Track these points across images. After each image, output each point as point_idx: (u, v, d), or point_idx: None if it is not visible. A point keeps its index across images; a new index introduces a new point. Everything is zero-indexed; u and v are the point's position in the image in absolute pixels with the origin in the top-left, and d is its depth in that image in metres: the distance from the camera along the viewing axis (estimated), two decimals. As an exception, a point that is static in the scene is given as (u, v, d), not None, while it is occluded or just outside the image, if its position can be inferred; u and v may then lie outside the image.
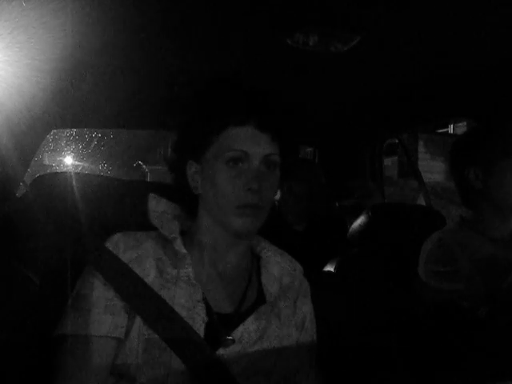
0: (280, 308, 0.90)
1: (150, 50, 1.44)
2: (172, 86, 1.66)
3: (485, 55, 1.43)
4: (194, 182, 0.89)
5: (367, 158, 2.41)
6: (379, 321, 1.34)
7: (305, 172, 2.03)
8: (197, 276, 0.85)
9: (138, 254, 0.84)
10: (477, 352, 1.08)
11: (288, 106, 0.91)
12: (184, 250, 0.86)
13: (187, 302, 0.82)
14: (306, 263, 1.02)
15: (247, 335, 0.83)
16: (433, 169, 9.87)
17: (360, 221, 1.55)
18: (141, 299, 0.80)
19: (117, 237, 0.86)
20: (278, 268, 0.95)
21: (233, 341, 0.82)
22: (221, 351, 0.81)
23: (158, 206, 0.91)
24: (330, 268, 1.45)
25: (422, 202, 2.63)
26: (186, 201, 0.92)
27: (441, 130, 10.83)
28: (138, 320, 0.79)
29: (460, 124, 9.54)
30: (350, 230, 1.61)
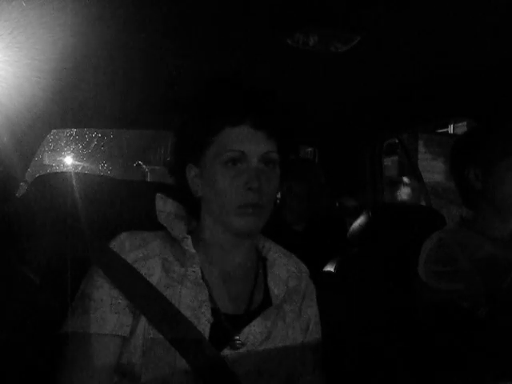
0: (286, 311, 0.91)
1: (150, 50, 1.44)
2: (172, 85, 1.66)
3: (485, 55, 1.43)
4: (194, 185, 0.89)
5: (367, 158, 2.41)
6: (379, 321, 1.34)
7: (305, 172, 2.03)
8: (203, 276, 0.86)
9: (144, 254, 0.84)
10: (477, 352, 1.08)
11: (284, 102, 0.90)
12: (193, 250, 0.86)
13: (192, 302, 0.82)
14: (305, 263, 1.02)
15: (253, 337, 0.84)
16: (433, 169, 9.88)
17: (360, 221, 1.55)
18: (145, 299, 0.80)
19: (123, 236, 0.86)
20: (285, 270, 0.95)
21: (242, 343, 0.82)
22: (226, 352, 0.81)
23: (165, 207, 0.92)
24: (330, 268, 1.45)
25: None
26: (189, 203, 0.92)
27: (441, 130, 10.84)
28: (143, 319, 0.79)
29: (460, 124, 9.54)
30: (350, 230, 1.61)
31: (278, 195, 2.03)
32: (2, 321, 0.90)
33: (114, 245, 0.85)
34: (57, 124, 2.03)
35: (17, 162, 1.68)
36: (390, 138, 2.72)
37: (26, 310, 0.92)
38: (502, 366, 0.99)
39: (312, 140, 2.60)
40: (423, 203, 2.49)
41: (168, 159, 0.95)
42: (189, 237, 0.88)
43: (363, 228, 1.53)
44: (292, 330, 0.90)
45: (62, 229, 0.93)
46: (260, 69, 1.57)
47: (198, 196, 0.90)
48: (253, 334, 0.84)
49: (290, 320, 0.91)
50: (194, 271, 0.85)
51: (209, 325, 0.81)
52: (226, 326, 0.83)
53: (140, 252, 0.84)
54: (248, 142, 0.84)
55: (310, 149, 3.09)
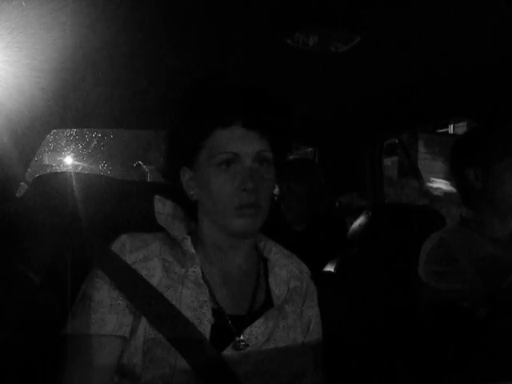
0: (287, 311, 0.91)
1: (150, 50, 1.44)
2: (172, 85, 1.66)
3: (485, 55, 1.43)
4: (189, 188, 0.89)
5: (367, 158, 2.41)
6: (379, 321, 1.34)
7: (305, 172, 2.03)
8: (204, 277, 0.86)
9: (145, 255, 0.84)
10: (477, 352, 1.08)
11: (274, 100, 0.89)
12: (193, 250, 0.86)
13: (193, 303, 0.82)
14: (306, 263, 1.02)
15: (254, 338, 0.84)
16: (433, 169, 9.87)
17: (360, 221, 1.55)
18: (146, 300, 0.80)
19: (123, 238, 0.86)
20: (286, 271, 0.95)
21: (245, 344, 0.82)
22: (227, 352, 0.81)
23: (164, 208, 0.92)
24: (330, 268, 1.45)
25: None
26: (186, 205, 0.92)
27: (441, 130, 10.83)
28: (144, 319, 0.80)
29: (460, 124, 9.54)
30: (350, 230, 1.61)
31: (276, 191, 2.03)
32: (2, 321, 0.90)
33: (115, 247, 0.85)
34: (57, 124, 2.03)
35: (17, 162, 1.68)
36: (390, 138, 2.72)
37: (25, 309, 0.92)
38: (502, 366, 0.99)
39: (312, 140, 2.60)
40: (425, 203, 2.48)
41: (161, 164, 0.95)
42: (188, 237, 0.88)
43: (363, 228, 1.53)
44: (293, 330, 0.90)
45: (62, 229, 0.93)
46: (260, 69, 1.57)
47: (194, 199, 0.89)
48: (254, 335, 0.84)
49: (292, 321, 0.91)
50: (194, 271, 0.85)
51: (209, 325, 0.81)
52: (229, 326, 0.83)
53: (140, 253, 0.84)
54: (240, 143, 0.84)
55: (310, 149, 3.09)
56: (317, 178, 2.05)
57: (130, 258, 0.83)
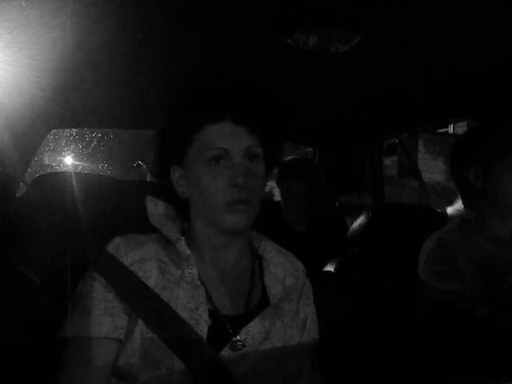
0: (283, 310, 0.90)
1: (150, 50, 1.44)
2: (172, 85, 1.66)
3: (485, 55, 1.43)
4: (179, 186, 0.89)
5: (367, 158, 2.41)
6: (379, 321, 1.34)
7: (305, 172, 2.03)
8: (200, 278, 0.85)
9: (140, 256, 0.84)
10: (477, 352, 1.08)
11: (265, 95, 0.89)
12: (188, 251, 0.86)
13: (190, 304, 0.82)
14: (306, 263, 1.02)
15: (251, 338, 0.83)
16: (433, 169, 9.88)
17: (360, 221, 1.55)
18: (141, 301, 0.80)
19: (117, 240, 0.85)
20: (281, 269, 0.94)
21: (242, 344, 0.82)
22: (224, 353, 0.80)
23: (157, 209, 0.91)
24: (330, 268, 1.45)
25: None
26: (179, 204, 0.92)
27: (441, 130, 10.84)
28: (141, 322, 0.79)
29: (460, 124, 9.54)
30: (350, 230, 1.61)
31: (267, 188, 2.02)
32: (2, 321, 0.90)
33: (110, 248, 0.85)
34: (57, 124, 2.03)
35: (17, 162, 1.68)
36: (390, 138, 2.72)
37: (25, 309, 0.92)
38: (502, 366, 0.99)
39: (312, 140, 2.60)
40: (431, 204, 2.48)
41: (151, 163, 0.94)
42: (182, 238, 0.87)
43: (363, 228, 1.53)
44: (290, 329, 0.90)
45: (62, 229, 0.93)
46: (260, 69, 1.57)
47: (185, 197, 0.89)
48: (251, 335, 0.84)
49: (288, 319, 0.90)
50: (190, 272, 0.84)
51: (206, 326, 0.81)
52: (225, 327, 0.83)
53: (136, 254, 0.84)
54: (230, 139, 0.83)
55: (310, 149, 3.09)
56: (317, 178, 2.05)
57: (126, 260, 0.83)
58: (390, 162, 9.44)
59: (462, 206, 1.35)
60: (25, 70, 1.29)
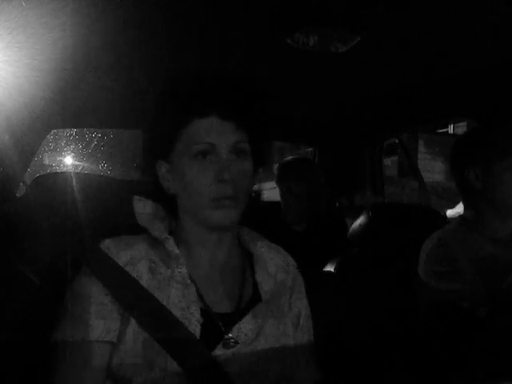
0: (276, 305, 0.90)
1: (150, 50, 1.44)
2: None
3: (485, 55, 1.43)
4: (165, 181, 0.88)
5: (367, 158, 2.41)
6: (379, 321, 1.34)
7: (305, 172, 2.03)
8: (190, 276, 0.85)
9: (132, 256, 0.83)
10: (477, 352, 1.08)
11: (252, 91, 0.88)
12: (177, 250, 0.85)
13: (181, 303, 0.81)
14: (306, 263, 1.02)
15: (244, 335, 0.83)
16: (433, 169, 9.88)
17: (360, 221, 1.55)
18: (136, 300, 0.80)
19: (107, 242, 0.85)
20: (272, 265, 0.93)
21: (235, 342, 0.81)
22: (218, 351, 0.80)
23: (145, 208, 0.90)
24: (330, 268, 1.45)
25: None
26: (166, 203, 0.91)
27: (441, 130, 10.84)
28: (133, 323, 0.79)
29: (460, 124, 9.55)
30: (350, 230, 1.61)
31: (256, 187, 2.02)
32: (2, 321, 0.90)
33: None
34: (57, 124, 2.03)
35: (17, 162, 1.68)
36: (390, 138, 2.72)
37: (25, 309, 0.92)
38: (502, 366, 0.99)
39: (312, 140, 2.60)
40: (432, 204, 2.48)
41: (138, 158, 0.93)
42: (171, 237, 0.87)
43: (363, 228, 1.53)
44: (283, 324, 0.89)
45: (62, 229, 0.93)
46: (260, 69, 1.57)
47: (171, 193, 0.88)
48: (244, 332, 0.83)
49: (281, 314, 0.90)
50: (180, 272, 0.84)
51: (199, 325, 0.80)
52: (217, 325, 0.82)
53: (128, 254, 0.83)
54: (216, 134, 0.82)
55: (310, 149, 3.09)
56: (317, 178, 2.05)
57: (118, 261, 0.82)
58: (389, 162, 9.44)
59: (463, 209, 1.35)
60: (25, 69, 1.29)
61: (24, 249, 0.99)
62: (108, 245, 0.84)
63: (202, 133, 0.83)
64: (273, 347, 0.85)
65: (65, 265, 0.86)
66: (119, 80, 1.59)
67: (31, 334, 0.89)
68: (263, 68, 1.57)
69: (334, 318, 1.24)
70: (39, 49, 1.23)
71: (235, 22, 1.27)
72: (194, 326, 0.80)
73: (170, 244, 0.86)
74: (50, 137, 2.13)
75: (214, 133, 0.82)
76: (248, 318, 0.85)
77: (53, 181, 1.08)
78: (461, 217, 1.34)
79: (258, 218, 1.04)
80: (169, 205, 0.91)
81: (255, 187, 1.05)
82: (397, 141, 2.88)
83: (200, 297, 0.84)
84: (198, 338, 0.79)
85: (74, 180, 1.04)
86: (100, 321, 0.78)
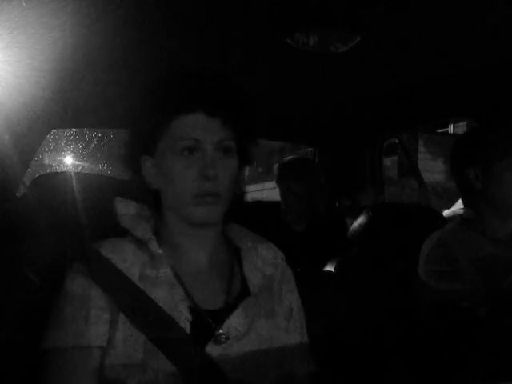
0: (265, 299, 0.89)
1: (150, 50, 1.44)
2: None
3: (485, 55, 1.43)
4: (149, 176, 0.87)
5: (367, 158, 2.41)
6: (379, 321, 1.34)
7: (304, 172, 2.03)
8: (177, 275, 0.84)
9: (121, 258, 0.83)
10: (477, 352, 1.08)
11: (239, 88, 0.88)
12: (159, 251, 0.85)
13: (169, 303, 0.81)
14: (306, 263, 1.02)
15: (234, 330, 0.82)
16: (433, 169, 9.88)
17: (360, 221, 1.55)
18: (132, 302, 0.79)
19: (96, 246, 0.85)
20: (260, 258, 0.93)
21: (226, 337, 0.80)
22: (209, 348, 0.80)
23: (127, 209, 0.89)
24: (330, 268, 1.45)
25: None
26: (150, 198, 0.90)
27: (441, 130, 10.85)
28: (122, 327, 0.78)
29: (460, 124, 9.55)
30: (350, 230, 1.61)
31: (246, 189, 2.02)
32: (2, 321, 0.90)
33: None
34: (57, 124, 2.03)
35: (17, 162, 1.68)
36: (390, 138, 2.72)
37: (25, 309, 0.92)
38: (502, 366, 0.99)
39: (312, 140, 2.60)
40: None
41: (122, 152, 0.92)
42: (154, 238, 0.86)
43: (363, 228, 1.53)
44: (274, 317, 0.89)
45: (62, 229, 0.93)
46: (260, 69, 1.57)
47: (154, 188, 0.87)
48: (234, 327, 0.82)
49: (271, 308, 0.89)
50: (165, 272, 0.83)
51: (188, 323, 0.80)
52: (207, 322, 0.82)
53: (118, 257, 0.83)
54: (202, 130, 0.82)
55: (310, 149, 3.09)
56: (317, 178, 2.05)
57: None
58: (389, 162, 9.44)
59: (458, 208, 1.35)
60: (25, 69, 1.29)
61: (24, 249, 0.99)
62: (97, 248, 0.84)
63: (188, 129, 0.82)
64: (265, 340, 0.85)
65: (65, 265, 0.86)
66: (119, 80, 1.58)
67: (31, 334, 0.89)
68: (263, 68, 1.57)
69: (334, 317, 1.24)
70: (39, 49, 1.23)
71: (235, 22, 1.27)
72: (184, 324, 0.80)
73: (153, 245, 0.85)
74: (50, 137, 2.13)
75: (200, 129, 0.82)
76: (237, 312, 0.84)
77: (53, 181, 1.08)
78: (461, 217, 1.34)
79: (258, 217, 1.04)
80: (153, 201, 0.90)
81: (255, 188, 1.05)
82: (397, 141, 2.87)
83: (188, 295, 0.83)
84: (189, 335, 0.79)
85: (74, 180, 1.04)
86: (89, 326, 0.78)
